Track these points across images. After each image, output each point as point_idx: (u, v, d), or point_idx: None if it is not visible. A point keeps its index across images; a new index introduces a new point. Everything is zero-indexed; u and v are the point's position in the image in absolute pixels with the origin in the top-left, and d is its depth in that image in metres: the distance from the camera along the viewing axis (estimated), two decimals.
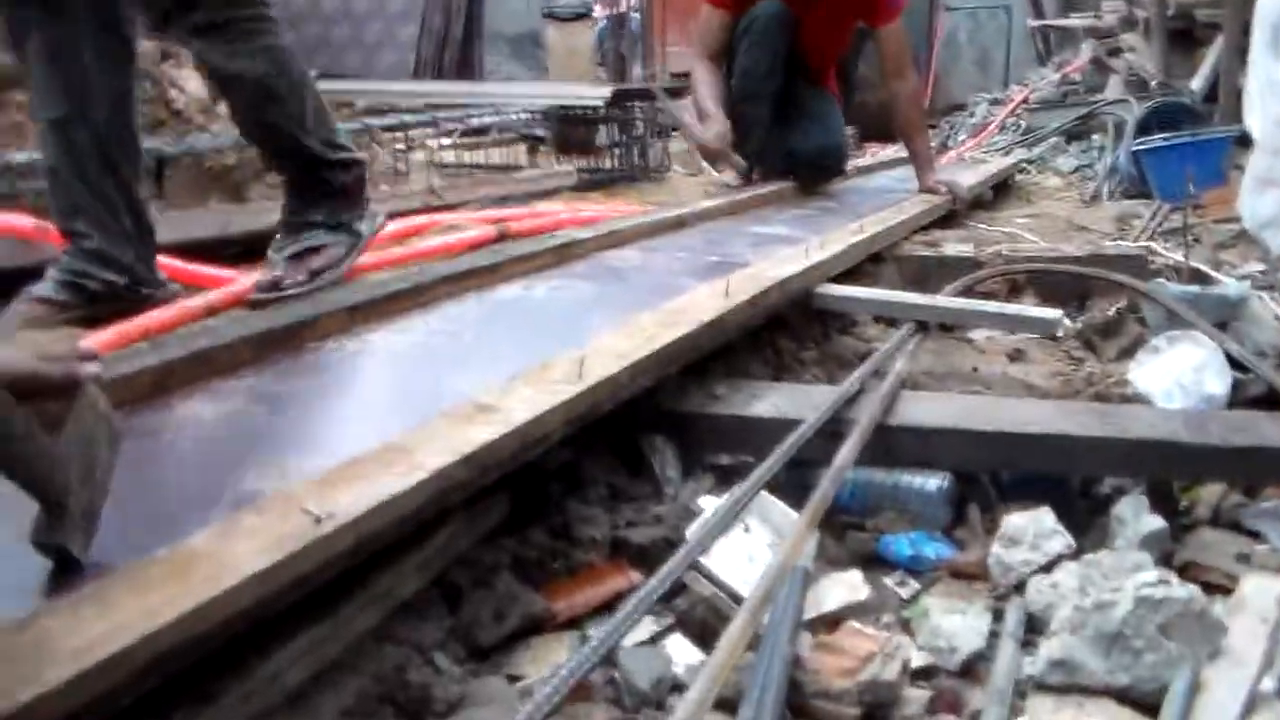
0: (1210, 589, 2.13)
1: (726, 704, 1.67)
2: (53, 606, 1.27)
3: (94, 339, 2.79)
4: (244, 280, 3.54)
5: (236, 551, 1.39)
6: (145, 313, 3.19)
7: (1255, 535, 2.34)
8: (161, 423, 2.06)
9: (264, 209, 5.03)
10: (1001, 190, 6.96)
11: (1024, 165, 8.23)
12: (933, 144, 9.86)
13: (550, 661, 1.80)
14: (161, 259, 3.66)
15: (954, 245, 4.46)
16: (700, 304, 2.71)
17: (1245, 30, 6.48)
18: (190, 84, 5.91)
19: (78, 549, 1.48)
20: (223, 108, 6.00)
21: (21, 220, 3.94)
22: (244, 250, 4.51)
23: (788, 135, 5.67)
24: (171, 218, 4.61)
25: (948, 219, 5.40)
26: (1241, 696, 1.72)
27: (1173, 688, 1.72)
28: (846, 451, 2.22)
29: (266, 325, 2.50)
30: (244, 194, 5.60)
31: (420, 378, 2.41)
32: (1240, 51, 6.56)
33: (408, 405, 2.14)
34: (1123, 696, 1.77)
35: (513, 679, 1.77)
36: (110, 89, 3.27)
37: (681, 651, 1.87)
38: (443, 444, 1.76)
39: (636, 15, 14.20)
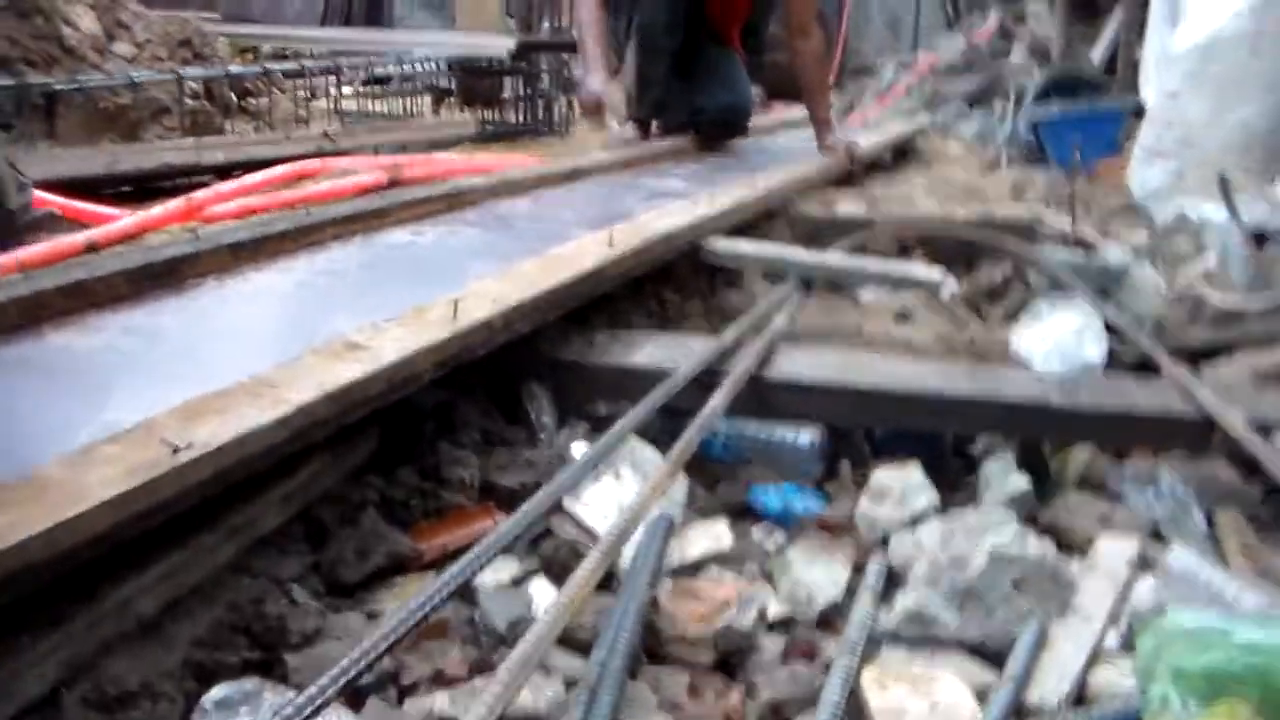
0: (1071, 549, 2.17)
1: (584, 646, 1.69)
2: None
3: None
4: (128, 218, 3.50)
5: (90, 479, 1.39)
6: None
7: (1119, 497, 2.38)
8: (29, 354, 2.04)
9: (155, 148, 4.98)
10: (902, 155, 6.99)
11: (926, 130, 8.27)
12: (838, 105, 9.89)
13: None
14: (45, 195, 3.60)
15: (847, 205, 4.48)
16: (584, 252, 2.72)
17: (1144, 2, 6.56)
18: (84, 20, 5.82)
19: None
20: (118, 46, 5.93)
21: None
22: (133, 188, 4.46)
23: (692, 92, 5.63)
24: (57, 154, 4.53)
25: (845, 180, 5.42)
26: (1085, 651, 1.76)
27: (1019, 641, 1.76)
28: (717, 400, 2.24)
29: (146, 260, 2.47)
30: (139, 134, 5.52)
31: (298, 317, 2.40)
32: (1139, 23, 6.63)
33: (282, 343, 2.11)
34: (974, 649, 1.81)
35: (372, 616, 1.77)
36: None
37: (544, 595, 1.88)
38: (310, 380, 1.76)
39: None
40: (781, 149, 6.01)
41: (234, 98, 6.63)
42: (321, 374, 1.78)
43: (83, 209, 3.76)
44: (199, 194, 4.00)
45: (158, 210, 3.72)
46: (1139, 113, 5.60)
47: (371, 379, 1.82)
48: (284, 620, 1.64)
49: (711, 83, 5.62)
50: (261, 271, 2.69)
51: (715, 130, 5.72)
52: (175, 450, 1.46)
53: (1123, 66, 7.13)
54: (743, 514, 2.34)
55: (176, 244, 2.66)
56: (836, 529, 2.26)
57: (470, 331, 2.11)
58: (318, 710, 1.27)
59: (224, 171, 5.08)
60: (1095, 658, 1.77)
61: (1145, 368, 2.85)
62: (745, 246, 3.44)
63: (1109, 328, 3.07)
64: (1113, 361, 3.01)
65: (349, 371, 1.80)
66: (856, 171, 5.48)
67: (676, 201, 3.68)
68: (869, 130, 7.33)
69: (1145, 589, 1.94)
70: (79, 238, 3.29)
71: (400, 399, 1.97)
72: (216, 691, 1.46)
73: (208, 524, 1.64)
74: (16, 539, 1.24)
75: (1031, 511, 2.31)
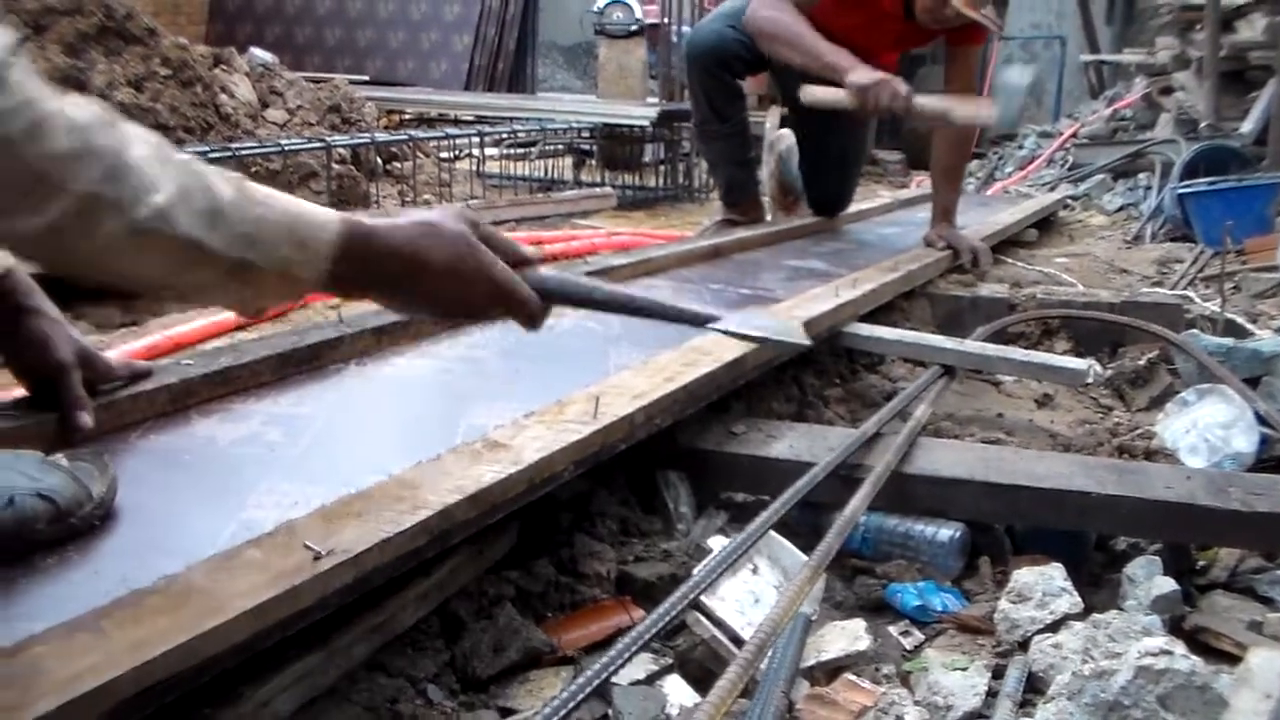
0: (1219, 656, 2.11)
1: None
2: (46, 634, 1.28)
3: (126, 349, 2.80)
4: None
5: (233, 586, 1.40)
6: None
7: (1270, 602, 2.32)
8: (177, 443, 2.07)
9: None
10: (1045, 227, 6.93)
11: (1069, 201, 8.19)
12: (979, 174, 9.82)
13: (545, 696, 1.80)
14: None
15: (988, 286, 4.44)
16: (724, 342, 2.71)
17: None
18: (240, 88, 5.97)
19: None
20: (271, 112, 6.07)
21: None
22: None
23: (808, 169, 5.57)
24: None
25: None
26: None
27: None
28: (857, 501, 2.21)
29: (291, 345, 2.50)
30: None
31: (438, 407, 2.41)
32: None
33: (422, 437, 2.13)
34: None
35: (505, 712, 1.77)
36: None
37: (678, 692, 1.87)
38: (450, 482, 1.76)
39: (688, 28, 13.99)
40: (923, 223, 5.94)
41: (379, 162, 6.76)
42: (461, 475, 1.78)
43: None
44: None
45: None
46: None
47: (512, 480, 1.82)
48: None
49: (828, 169, 5.52)
50: (403, 356, 2.71)
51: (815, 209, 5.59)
52: (317, 557, 1.47)
53: (1274, 140, 7.00)
54: (878, 609, 2.31)
55: (321, 328, 2.69)
56: (975, 629, 2.23)
57: (610, 429, 2.11)
58: None
59: None
60: None
61: None
62: (885, 332, 3.42)
63: (1260, 418, 3.00)
64: (1264, 454, 2.94)
65: (490, 473, 1.80)
66: (970, 269, 4.84)
67: (817, 283, 3.67)
68: (1010, 201, 7.28)
69: None
70: (229, 315, 3.35)
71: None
72: None
73: (345, 624, 1.65)
74: (164, 649, 1.25)
75: (1176, 614, 2.26)
